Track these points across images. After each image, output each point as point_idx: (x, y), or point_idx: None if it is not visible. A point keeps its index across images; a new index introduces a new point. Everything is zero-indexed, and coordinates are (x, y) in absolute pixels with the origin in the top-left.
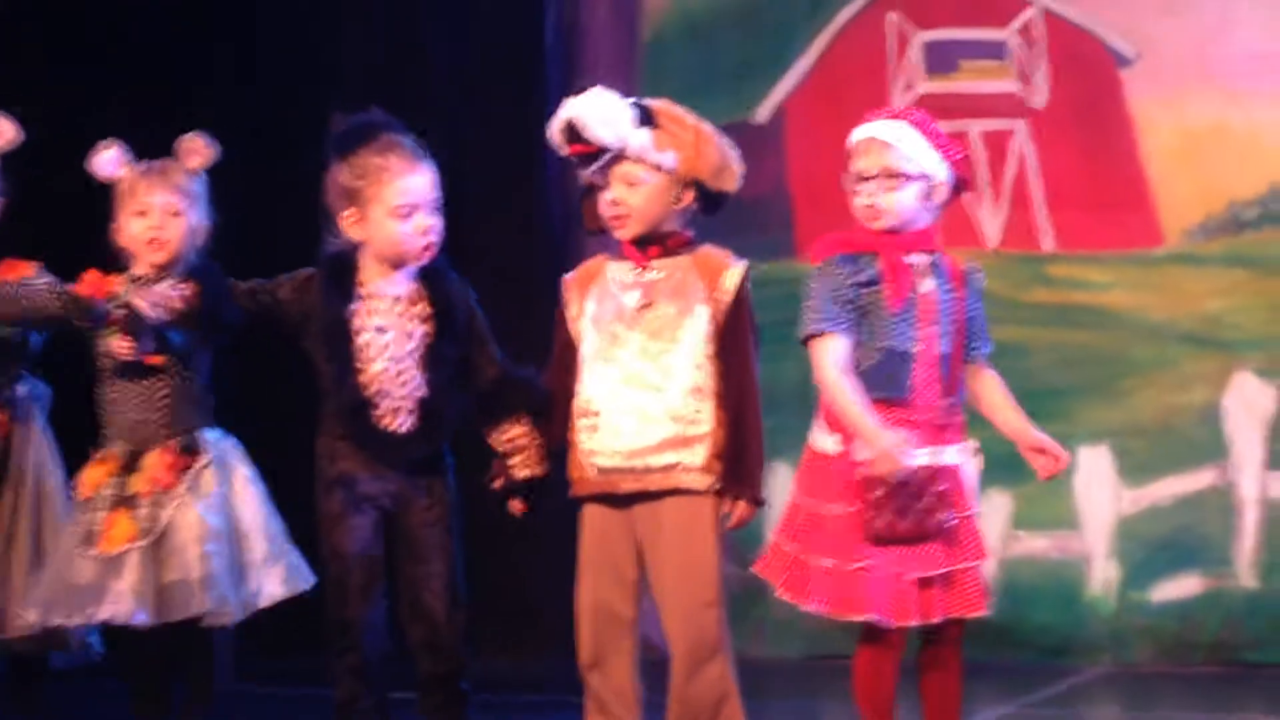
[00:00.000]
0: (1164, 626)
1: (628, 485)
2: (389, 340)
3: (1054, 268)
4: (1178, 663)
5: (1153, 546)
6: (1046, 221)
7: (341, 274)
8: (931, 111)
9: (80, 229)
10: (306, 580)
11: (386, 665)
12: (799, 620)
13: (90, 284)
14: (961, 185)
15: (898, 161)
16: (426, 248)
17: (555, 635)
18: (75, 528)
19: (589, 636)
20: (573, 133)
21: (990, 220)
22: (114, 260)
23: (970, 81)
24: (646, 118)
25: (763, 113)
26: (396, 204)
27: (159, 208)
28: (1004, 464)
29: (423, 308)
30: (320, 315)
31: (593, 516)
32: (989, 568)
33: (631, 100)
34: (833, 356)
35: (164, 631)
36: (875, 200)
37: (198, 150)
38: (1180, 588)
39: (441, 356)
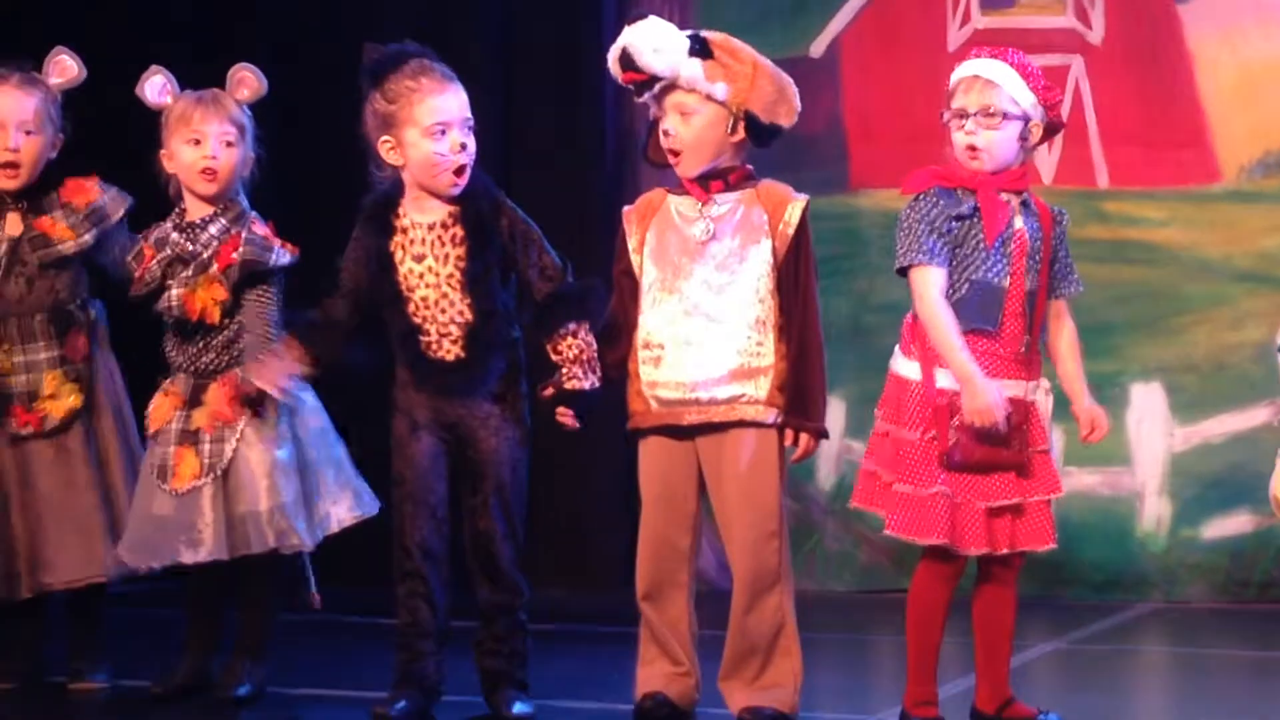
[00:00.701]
0: (1215, 563)
1: (691, 417)
2: (426, 268)
3: (1109, 204)
4: (1228, 600)
5: (1204, 484)
6: (1102, 158)
7: (381, 211)
8: (988, 46)
9: (126, 162)
10: (373, 506)
11: (449, 593)
12: (851, 554)
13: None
14: (1054, 128)
15: (999, 101)
16: (460, 168)
17: (610, 566)
18: (150, 460)
19: (647, 568)
20: (627, 60)
21: (1045, 156)
22: (162, 188)
23: (1027, 17)
24: (701, 49)
25: (818, 47)
26: (429, 123)
27: (213, 136)
28: (1057, 400)
29: (457, 231)
30: (367, 256)
31: (653, 449)
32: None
33: (689, 32)
34: (934, 288)
35: (228, 563)
36: (974, 139)
37: (247, 82)
38: (1231, 525)
39: (478, 279)
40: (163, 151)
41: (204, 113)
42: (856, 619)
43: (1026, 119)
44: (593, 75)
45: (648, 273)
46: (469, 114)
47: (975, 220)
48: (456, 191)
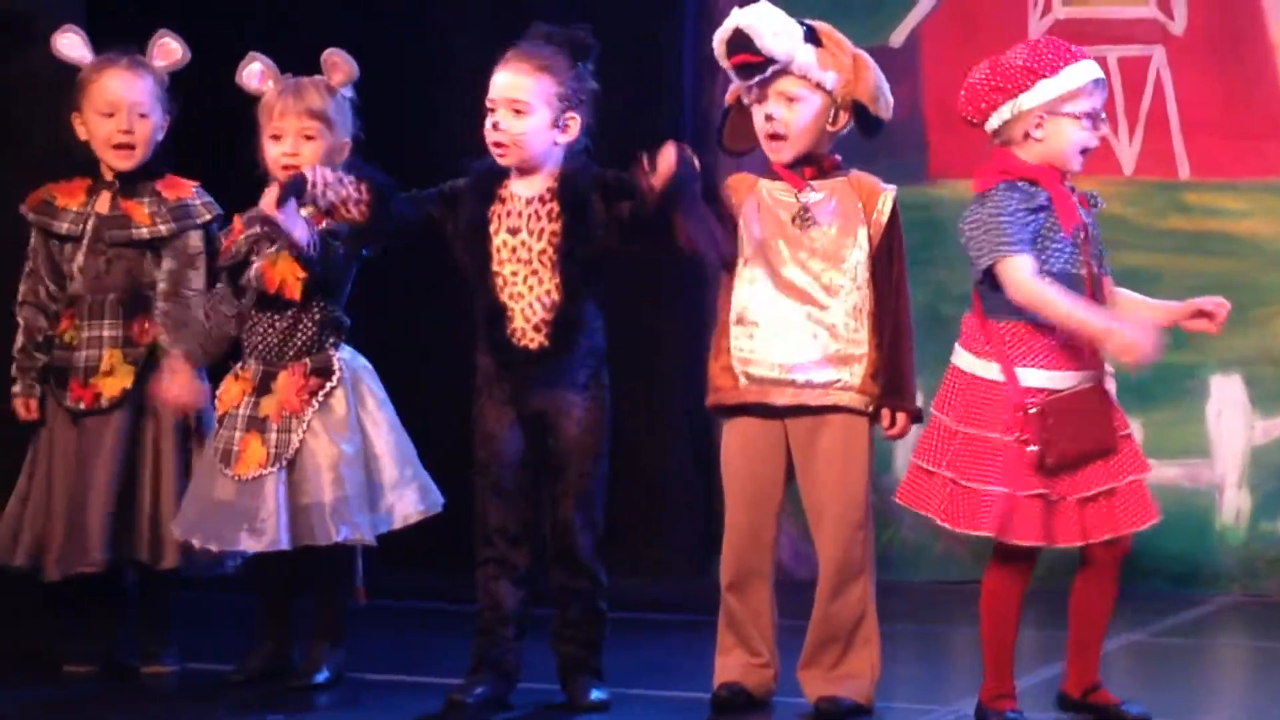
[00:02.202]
0: None
1: (783, 399)
2: (519, 241)
3: (1189, 195)
4: None
5: None
6: (1182, 148)
7: (488, 180)
8: (1068, 37)
9: (232, 147)
10: (437, 503)
11: (529, 580)
12: (927, 545)
13: (231, 233)
14: None
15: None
16: (495, 145)
17: (686, 554)
18: (215, 443)
19: (732, 556)
20: (740, 43)
21: (1126, 147)
22: (259, 179)
23: (1108, 7)
24: (812, 35)
25: (897, 37)
26: (488, 97)
27: (292, 132)
28: (1136, 391)
29: (553, 207)
30: (463, 220)
31: (741, 431)
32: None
33: (798, 19)
34: (1028, 271)
35: (295, 552)
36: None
37: (339, 66)
38: None
39: (570, 256)
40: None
41: (283, 106)
42: (933, 610)
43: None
44: (670, 64)
45: (742, 249)
46: (516, 95)
47: (1051, 211)
48: (499, 162)
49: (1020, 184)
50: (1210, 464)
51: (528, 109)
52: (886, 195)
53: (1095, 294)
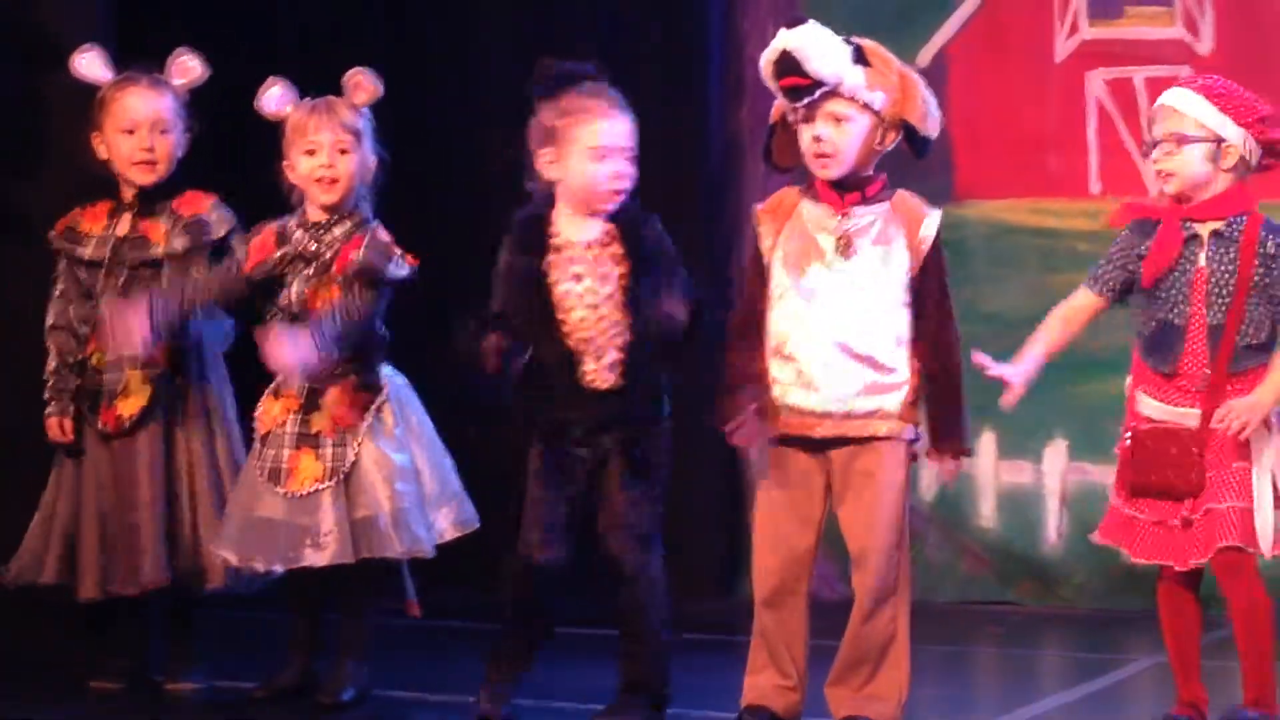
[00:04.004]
0: None
1: (823, 430)
2: (586, 287)
3: None
4: None
5: None
6: None
7: (532, 227)
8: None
9: (254, 166)
10: (474, 520)
11: (552, 613)
12: (952, 564)
13: (260, 246)
14: (1272, 149)
15: (1181, 125)
16: (617, 192)
17: (709, 574)
18: (259, 463)
19: (769, 575)
20: (788, 65)
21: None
22: (285, 198)
23: (1135, 27)
24: (860, 56)
25: (924, 58)
26: (593, 145)
27: (328, 145)
28: None
29: (616, 249)
30: (512, 275)
31: (779, 460)
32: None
33: (844, 37)
34: (1067, 302)
35: (325, 569)
36: (1161, 164)
37: (363, 86)
38: None
39: (640, 298)
40: (285, 163)
41: (317, 121)
42: (958, 630)
43: (1218, 140)
44: (699, 79)
45: (779, 276)
46: (632, 144)
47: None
48: (611, 206)
49: (1147, 222)
50: None
51: (635, 157)
52: (930, 219)
53: (1210, 346)
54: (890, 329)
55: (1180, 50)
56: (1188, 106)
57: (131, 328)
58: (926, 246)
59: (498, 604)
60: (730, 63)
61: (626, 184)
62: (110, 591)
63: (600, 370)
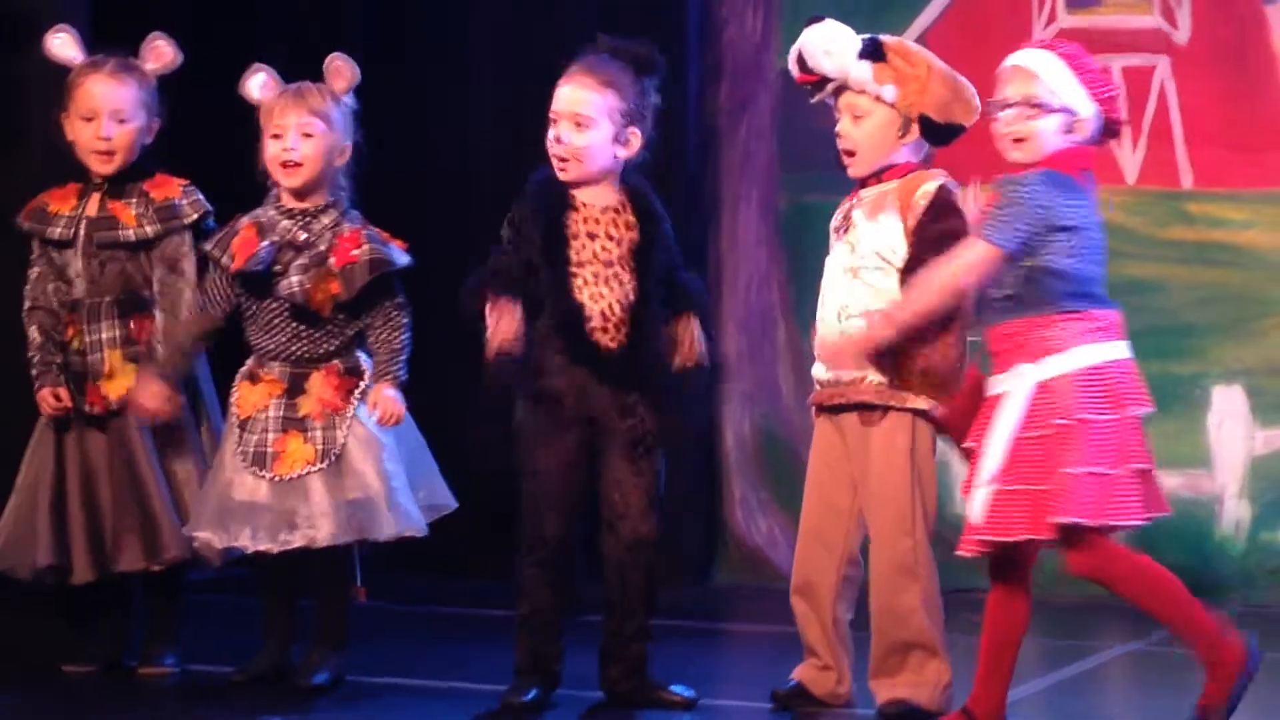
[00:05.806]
0: None
1: (819, 397)
2: (599, 246)
3: (1193, 205)
4: None
5: None
6: (1186, 159)
7: (553, 189)
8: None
9: (228, 154)
10: (450, 503)
11: (574, 583)
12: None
13: (243, 242)
14: (1110, 127)
15: (1037, 90)
16: (556, 158)
17: (686, 561)
18: (240, 448)
19: (798, 560)
20: (801, 61)
21: (1129, 156)
22: (260, 184)
23: (1113, 16)
24: (874, 51)
25: None
26: (552, 110)
27: (292, 129)
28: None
29: (629, 218)
30: (535, 226)
31: (817, 435)
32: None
33: (866, 35)
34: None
35: (298, 554)
36: (1014, 128)
37: (342, 72)
38: None
39: (650, 263)
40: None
41: (284, 105)
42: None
43: (1070, 112)
44: (677, 63)
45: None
46: (579, 109)
47: None
48: (563, 177)
49: None
50: (1211, 475)
51: (589, 123)
52: (927, 185)
53: None
54: (880, 297)
55: (1157, 39)
56: (1047, 73)
57: (155, 392)
58: (920, 209)
59: (516, 617)
60: (708, 47)
61: (559, 150)
62: (111, 572)
63: (608, 328)
